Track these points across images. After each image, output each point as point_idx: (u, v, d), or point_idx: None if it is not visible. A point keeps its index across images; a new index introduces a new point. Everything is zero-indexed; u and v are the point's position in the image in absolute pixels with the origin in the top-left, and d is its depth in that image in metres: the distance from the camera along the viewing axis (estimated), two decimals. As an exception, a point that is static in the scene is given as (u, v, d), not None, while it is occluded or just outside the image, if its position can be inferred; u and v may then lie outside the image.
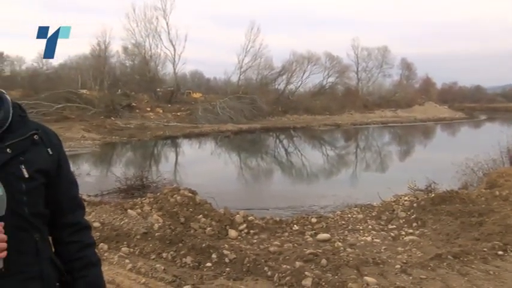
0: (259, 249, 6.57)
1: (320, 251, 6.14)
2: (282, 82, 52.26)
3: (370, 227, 7.89)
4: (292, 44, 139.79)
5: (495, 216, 7.10)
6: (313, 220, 8.12)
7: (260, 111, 41.72)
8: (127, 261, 5.72)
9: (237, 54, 51.86)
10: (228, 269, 5.53)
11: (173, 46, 46.70)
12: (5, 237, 1.30)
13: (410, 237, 7.03)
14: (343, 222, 8.19)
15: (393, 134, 39.66)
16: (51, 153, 1.51)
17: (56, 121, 27.59)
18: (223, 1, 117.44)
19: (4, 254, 1.30)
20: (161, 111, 40.04)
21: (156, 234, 6.54)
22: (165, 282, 5.09)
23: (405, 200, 9.04)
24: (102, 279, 1.67)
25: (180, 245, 6.13)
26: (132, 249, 6.20)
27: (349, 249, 6.38)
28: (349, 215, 8.56)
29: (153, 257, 5.97)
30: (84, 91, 40.07)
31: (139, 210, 7.77)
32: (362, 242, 6.98)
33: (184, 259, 5.79)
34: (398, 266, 5.46)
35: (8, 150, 1.39)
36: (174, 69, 48.20)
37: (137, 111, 38.30)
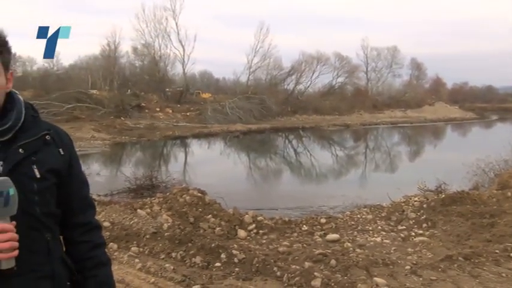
0: (269, 249, 6.56)
1: (329, 251, 6.12)
2: (291, 82, 52.15)
3: (379, 227, 7.85)
4: (301, 43, 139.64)
5: (507, 217, 7.03)
6: (323, 220, 8.10)
7: (269, 111, 41.65)
8: (137, 260, 5.74)
9: (246, 54, 51.95)
10: (237, 269, 5.53)
11: (182, 46, 46.82)
12: (16, 236, 1.31)
13: (420, 238, 6.98)
14: (353, 222, 8.16)
15: (403, 134, 39.42)
16: (62, 153, 1.53)
17: (66, 121, 27.76)
18: (232, 1, 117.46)
19: (16, 253, 1.31)
20: (170, 111, 40.14)
21: (166, 234, 6.56)
22: (174, 281, 5.10)
23: (415, 201, 8.97)
24: (112, 278, 1.68)
25: (190, 244, 6.14)
26: (141, 249, 6.23)
27: (358, 250, 6.35)
28: (359, 216, 8.53)
29: (163, 256, 5.99)
30: (94, 91, 40.29)
31: (148, 210, 7.81)
32: (371, 243, 6.94)
33: (193, 259, 5.80)
34: (408, 267, 5.42)
35: (20, 150, 1.40)
36: (184, 70, 48.34)
37: (147, 111, 38.42)
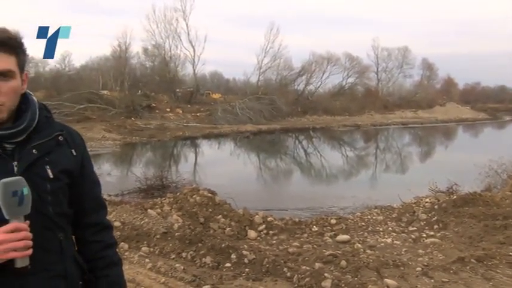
0: (279, 250, 6.56)
1: (339, 252, 6.10)
2: (302, 83, 52.13)
3: (390, 228, 7.81)
4: (311, 44, 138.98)
5: (520, 219, 6.95)
6: (333, 221, 8.07)
7: (279, 111, 41.62)
8: (147, 260, 5.77)
9: (256, 55, 51.97)
10: (247, 269, 5.53)
11: (193, 47, 47.03)
12: (31, 235, 1.32)
13: (432, 239, 6.92)
14: (363, 223, 8.12)
15: (414, 135, 39.16)
16: (75, 153, 1.54)
17: (77, 121, 27.99)
18: (242, 2, 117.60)
19: (30, 251, 1.33)
20: (181, 111, 40.30)
21: (176, 234, 6.58)
22: (184, 281, 5.12)
23: (426, 202, 8.91)
24: (123, 278, 1.69)
25: (200, 245, 6.16)
26: (152, 249, 6.26)
27: (369, 251, 6.32)
28: (369, 217, 8.49)
29: (173, 256, 6.01)
30: (105, 92, 40.58)
31: (159, 210, 7.84)
32: (382, 244, 6.90)
33: (203, 259, 5.82)
34: (419, 269, 5.38)
35: (34, 151, 1.42)
36: (194, 70, 48.51)
37: (157, 111, 38.61)
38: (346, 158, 24.81)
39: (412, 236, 7.25)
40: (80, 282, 1.55)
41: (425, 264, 5.63)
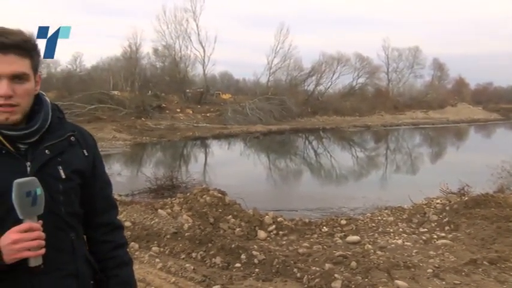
0: (288, 250, 6.54)
1: (350, 253, 6.07)
2: (312, 83, 51.98)
3: (400, 229, 7.74)
4: (321, 44, 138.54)
5: (534, 221, 6.86)
6: (343, 222, 8.04)
7: (289, 112, 41.57)
8: (157, 260, 5.80)
9: (266, 55, 52.10)
10: (257, 269, 5.53)
11: (203, 47, 47.16)
12: (43, 235, 1.34)
13: (443, 241, 6.85)
14: (373, 224, 8.07)
15: (424, 136, 38.86)
16: (86, 154, 1.55)
17: (88, 122, 28.20)
18: (252, 2, 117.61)
19: (43, 251, 1.34)
20: (191, 112, 40.42)
21: (186, 234, 6.61)
22: (194, 281, 5.13)
23: (437, 203, 8.83)
24: (134, 278, 1.71)
25: (210, 245, 6.17)
26: (162, 249, 6.29)
27: (379, 252, 6.28)
28: (379, 218, 8.43)
29: (183, 256, 6.03)
30: (115, 92, 40.88)
31: (169, 210, 7.87)
32: (392, 245, 6.85)
33: (213, 259, 5.83)
34: (430, 270, 5.33)
35: (46, 151, 1.43)
36: (204, 71, 48.66)
37: (167, 112, 38.75)
38: (356, 158, 24.70)
39: (423, 237, 7.19)
40: (91, 282, 1.56)
41: (437, 265, 5.58)
